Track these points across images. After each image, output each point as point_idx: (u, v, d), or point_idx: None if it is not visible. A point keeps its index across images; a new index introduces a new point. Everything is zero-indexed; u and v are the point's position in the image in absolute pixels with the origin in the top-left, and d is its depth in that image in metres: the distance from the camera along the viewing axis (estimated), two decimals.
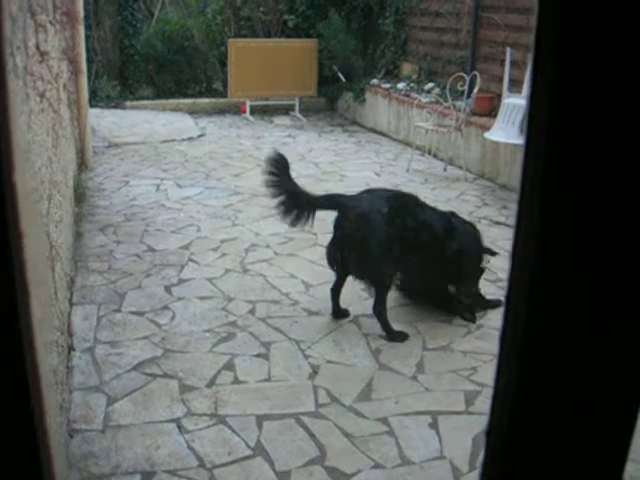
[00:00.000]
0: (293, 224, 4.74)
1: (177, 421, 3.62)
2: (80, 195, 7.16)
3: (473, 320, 4.96)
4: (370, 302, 5.03)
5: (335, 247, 4.74)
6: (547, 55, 0.68)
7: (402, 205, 4.78)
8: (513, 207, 7.25)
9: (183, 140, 10.40)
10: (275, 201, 4.72)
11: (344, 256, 4.72)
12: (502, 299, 5.19)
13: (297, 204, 4.70)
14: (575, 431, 0.84)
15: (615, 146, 0.69)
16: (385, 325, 4.68)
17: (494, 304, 5.14)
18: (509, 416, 0.86)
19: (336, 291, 4.92)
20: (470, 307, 5.04)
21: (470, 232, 5.07)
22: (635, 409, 0.82)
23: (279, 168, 4.77)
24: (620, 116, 0.68)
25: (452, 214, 5.15)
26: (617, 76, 0.66)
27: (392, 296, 4.92)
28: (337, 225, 4.73)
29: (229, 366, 4.22)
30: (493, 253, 5.19)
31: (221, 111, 12.58)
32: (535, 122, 0.73)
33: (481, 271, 5.12)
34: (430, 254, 4.80)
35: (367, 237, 4.58)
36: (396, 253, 4.64)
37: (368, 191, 4.97)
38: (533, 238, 0.75)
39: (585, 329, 0.78)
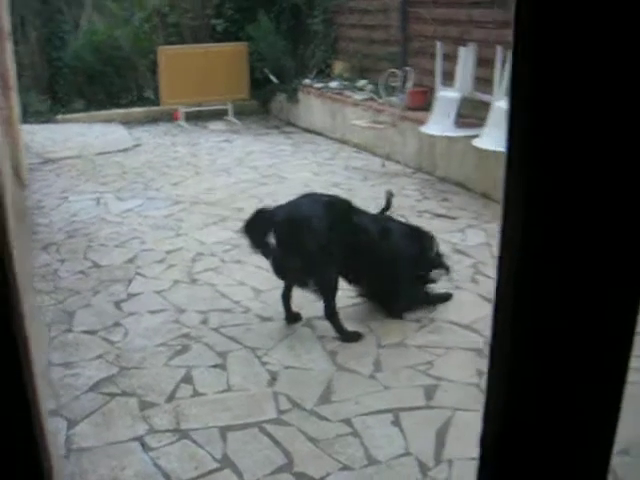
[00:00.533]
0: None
1: (140, 439, 3.59)
2: (19, 214, 7.04)
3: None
4: (320, 304, 5.06)
5: (279, 256, 4.71)
6: (526, 49, 0.69)
7: (339, 209, 4.80)
8: (453, 199, 7.39)
9: (119, 151, 10.26)
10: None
11: (288, 264, 4.71)
12: (451, 292, 5.28)
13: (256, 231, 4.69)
14: (564, 437, 0.86)
15: (593, 140, 0.70)
16: (339, 328, 4.70)
17: (443, 298, 5.21)
18: (501, 422, 0.89)
19: (287, 297, 4.92)
20: (409, 308, 5.08)
21: (408, 235, 5.10)
22: (617, 413, 0.85)
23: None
24: (597, 111, 0.69)
25: (389, 218, 5.22)
26: (595, 71, 0.68)
27: (342, 295, 4.94)
28: (278, 234, 4.69)
29: (187, 379, 4.20)
30: (446, 268, 5.24)
31: (154, 119, 12.44)
32: (517, 122, 0.74)
33: (422, 277, 5.17)
34: (368, 256, 4.84)
35: (309, 243, 4.58)
36: (338, 256, 4.65)
37: (304, 196, 4.95)
38: (519, 232, 0.76)
39: (572, 329, 0.79)
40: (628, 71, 0.68)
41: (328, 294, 4.70)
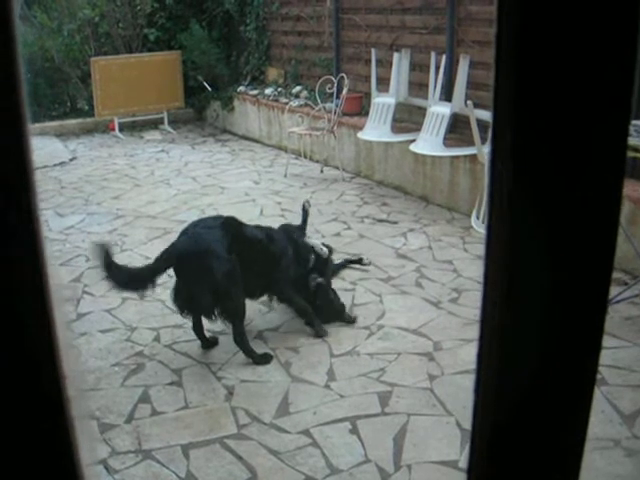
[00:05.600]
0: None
1: (104, 462, 3.62)
2: None
3: (322, 333, 5.01)
4: (271, 315, 5.15)
5: (181, 292, 4.65)
6: (509, 66, 0.73)
7: (233, 228, 4.77)
8: (393, 203, 7.49)
9: (55, 165, 10.13)
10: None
11: (198, 298, 4.60)
12: (355, 316, 5.22)
13: (137, 285, 4.67)
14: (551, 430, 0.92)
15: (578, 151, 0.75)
16: (248, 351, 4.64)
17: (347, 318, 5.17)
18: (488, 447, 0.94)
19: (199, 326, 4.82)
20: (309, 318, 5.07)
21: (285, 239, 5.10)
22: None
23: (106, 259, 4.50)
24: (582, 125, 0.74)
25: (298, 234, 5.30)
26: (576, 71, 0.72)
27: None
28: (178, 270, 4.65)
29: (144, 398, 4.22)
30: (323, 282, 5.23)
31: (89, 131, 12.31)
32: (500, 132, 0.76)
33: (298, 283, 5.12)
34: (262, 263, 4.83)
35: (216, 272, 4.49)
36: (242, 277, 4.60)
37: (196, 224, 4.84)
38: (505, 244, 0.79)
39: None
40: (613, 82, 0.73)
41: (236, 319, 4.63)
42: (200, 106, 13.12)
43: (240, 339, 4.65)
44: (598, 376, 3.82)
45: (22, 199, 0.66)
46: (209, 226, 4.72)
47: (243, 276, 4.62)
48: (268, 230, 5.09)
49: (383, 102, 8.43)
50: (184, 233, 4.77)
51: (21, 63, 0.66)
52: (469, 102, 6.58)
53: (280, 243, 5.00)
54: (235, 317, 4.64)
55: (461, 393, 4.13)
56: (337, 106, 9.14)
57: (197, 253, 4.54)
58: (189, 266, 4.57)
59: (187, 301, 4.66)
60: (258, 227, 5.08)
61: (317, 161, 9.73)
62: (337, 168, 9.25)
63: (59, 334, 0.73)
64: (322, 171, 9.50)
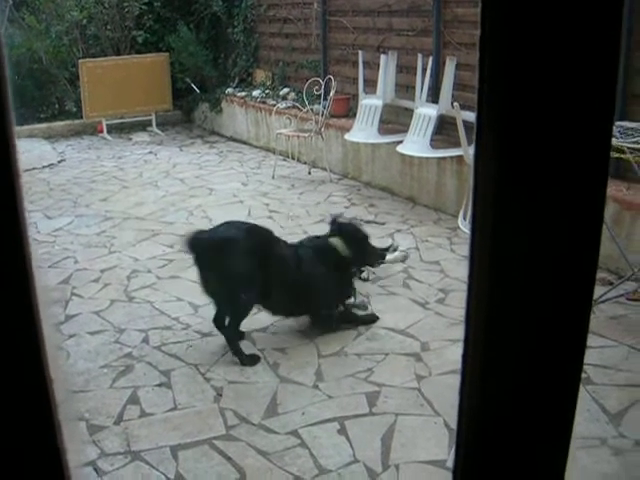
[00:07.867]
0: None
1: (92, 464, 3.62)
2: None
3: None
4: (259, 316, 5.13)
5: (201, 278, 4.79)
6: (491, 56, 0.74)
7: (259, 237, 4.85)
8: (380, 204, 7.50)
9: (44, 167, 10.11)
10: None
11: (209, 284, 4.77)
12: (377, 315, 5.27)
13: None
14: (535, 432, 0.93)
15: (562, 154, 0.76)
16: (236, 351, 4.69)
17: (368, 320, 5.22)
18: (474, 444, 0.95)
19: (220, 321, 4.88)
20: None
21: (316, 257, 5.07)
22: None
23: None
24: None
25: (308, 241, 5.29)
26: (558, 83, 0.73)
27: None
28: (197, 259, 4.77)
29: (133, 400, 4.23)
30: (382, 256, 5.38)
31: (77, 133, 12.29)
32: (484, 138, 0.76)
33: (341, 290, 5.20)
34: (286, 284, 4.87)
35: (225, 266, 4.61)
36: (257, 283, 4.69)
37: (225, 223, 5.00)
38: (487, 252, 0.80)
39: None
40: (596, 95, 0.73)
41: (236, 317, 4.74)
42: (188, 108, 13.12)
43: (231, 336, 4.72)
44: (584, 375, 3.86)
45: (6, 199, 0.67)
46: (235, 227, 4.90)
47: (262, 287, 4.71)
48: (303, 253, 5.05)
49: (370, 104, 8.46)
50: (220, 225, 4.97)
51: (6, 65, 0.66)
52: (456, 104, 6.61)
53: (314, 269, 4.99)
54: (235, 316, 4.74)
55: (449, 393, 4.15)
56: (325, 108, 9.16)
57: (211, 243, 4.69)
58: (204, 254, 4.70)
59: (205, 287, 4.79)
60: (293, 246, 5.09)
61: (305, 162, 9.74)
62: (325, 169, 9.26)
63: (45, 337, 0.74)
64: (310, 172, 9.52)
